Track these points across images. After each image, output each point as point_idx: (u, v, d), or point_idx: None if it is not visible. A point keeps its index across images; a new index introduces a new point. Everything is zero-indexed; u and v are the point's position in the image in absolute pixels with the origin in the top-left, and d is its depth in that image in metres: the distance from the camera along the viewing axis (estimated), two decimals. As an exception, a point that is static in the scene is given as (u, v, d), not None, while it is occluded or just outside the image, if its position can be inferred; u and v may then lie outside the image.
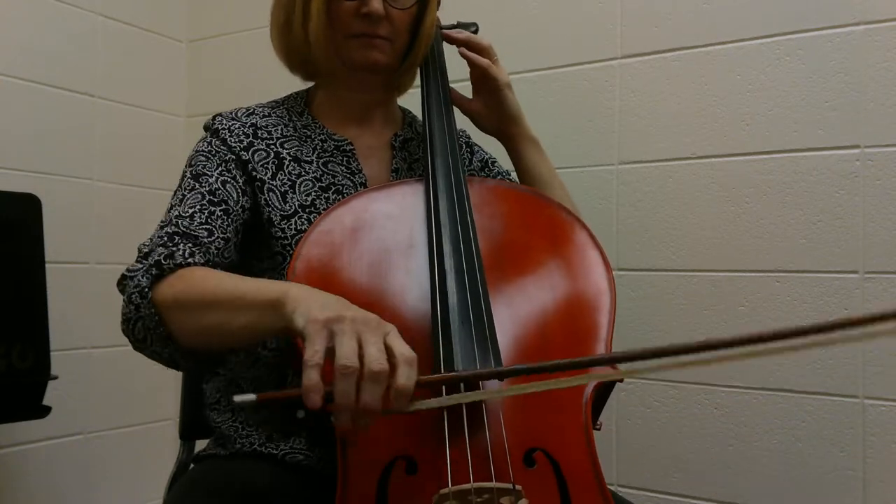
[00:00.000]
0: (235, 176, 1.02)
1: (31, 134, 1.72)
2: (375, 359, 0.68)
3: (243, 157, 1.04)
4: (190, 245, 0.92)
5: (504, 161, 1.25)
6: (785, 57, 1.38)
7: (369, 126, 1.15)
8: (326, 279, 0.91)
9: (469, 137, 1.27)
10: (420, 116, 1.16)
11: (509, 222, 1.05)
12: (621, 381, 0.92)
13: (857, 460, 1.31)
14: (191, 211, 0.96)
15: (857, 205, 1.32)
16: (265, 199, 1.03)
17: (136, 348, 0.90)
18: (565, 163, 1.54)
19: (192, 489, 0.97)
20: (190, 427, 1.27)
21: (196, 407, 1.25)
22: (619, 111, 1.53)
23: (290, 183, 1.04)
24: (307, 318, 0.71)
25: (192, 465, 1.13)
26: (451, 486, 0.76)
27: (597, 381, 0.86)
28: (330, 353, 0.69)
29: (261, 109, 1.12)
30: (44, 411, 1.41)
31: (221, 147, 1.04)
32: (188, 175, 1.02)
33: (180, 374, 1.30)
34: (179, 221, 0.95)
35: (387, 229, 0.98)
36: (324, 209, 1.04)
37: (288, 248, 1.01)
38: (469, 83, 1.20)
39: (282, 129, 1.09)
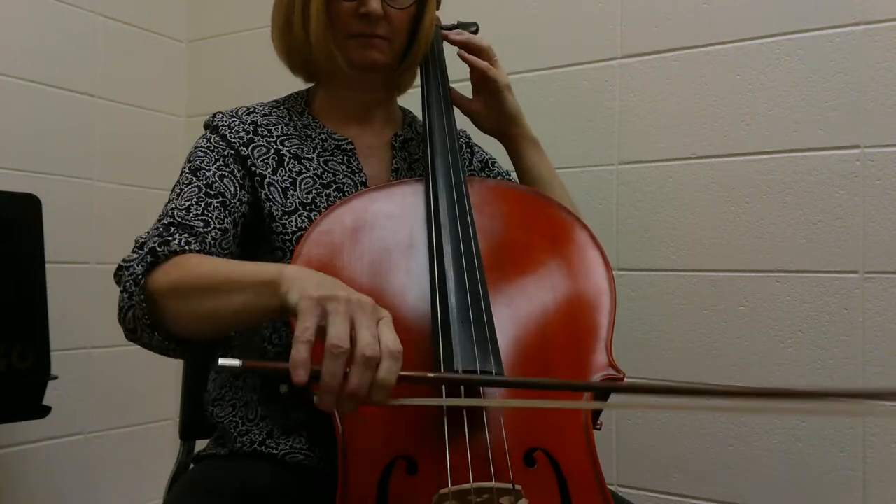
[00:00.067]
0: (234, 171, 1.02)
1: (31, 134, 1.72)
2: (368, 343, 0.67)
3: (242, 153, 1.04)
4: (185, 235, 0.92)
5: (504, 161, 1.25)
6: (785, 57, 1.38)
7: (370, 126, 1.15)
8: (326, 279, 0.91)
9: (469, 138, 1.28)
10: (420, 116, 1.16)
11: (509, 222, 1.05)
12: (621, 380, 0.91)
13: (857, 460, 1.31)
14: (187, 203, 0.97)
15: (857, 205, 1.32)
16: (266, 194, 1.03)
17: (129, 338, 0.91)
18: (565, 163, 1.54)
19: (192, 489, 0.97)
20: (190, 427, 1.27)
21: (196, 407, 1.25)
22: (619, 111, 1.53)
23: (290, 180, 1.05)
24: (301, 295, 0.70)
25: (192, 465, 1.12)
26: (451, 486, 0.76)
27: (591, 408, 0.86)
28: (321, 332, 0.68)
29: (261, 108, 1.12)
30: (44, 411, 1.41)
31: (220, 143, 1.05)
32: (186, 170, 1.03)
33: (180, 373, 1.30)
34: (175, 212, 0.95)
35: (387, 229, 0.98)
36: (324, 207, 1.04)
37: (288, 243, 1.01)
38: (469, 83, 1.20)
39: (282, 128, 1.09)
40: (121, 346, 1.88)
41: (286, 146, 1.07)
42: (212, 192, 0.99)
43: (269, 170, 1.04)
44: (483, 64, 1.16)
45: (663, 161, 1.48)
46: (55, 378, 1.42)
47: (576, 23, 1.57)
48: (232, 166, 1.03)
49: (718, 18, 1.44)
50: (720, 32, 1.44)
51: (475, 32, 1.25)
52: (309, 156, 1.08)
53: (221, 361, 0.68)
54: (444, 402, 0.76)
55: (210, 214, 0.96)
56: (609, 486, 0.84)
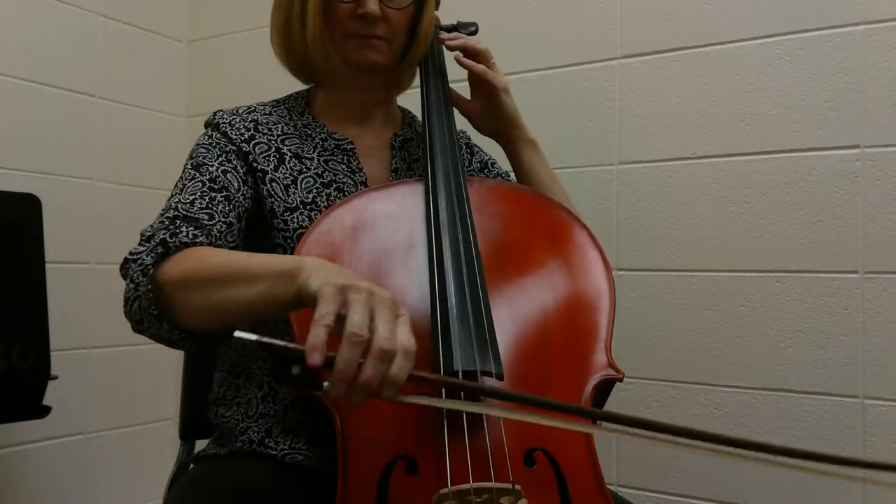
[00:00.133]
0: (236, 166, 1.03)
1: (31, 134, 1.72)
2: (385, 337, 0.67)
3: (244, 149, 1.04)
4: (192, 228, 0.92)
5: (504, 162, 1.25)
6: (785, 57, 1.38)
7: (369, 125, 1.15)
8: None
9: (469, 138, 1.28)
10: (420, 116, 1.16)
11: (509, 222, 1.05)
12: (621, 380, 0.92)
13: (857, 460, 1.31)
14: (191, 197, 0.96)
15: (857, 205, 1.32)
16: (267, 190, 1.03)
17: (135, 331, 0.90)
18: (565, 163, 1.54)
19: (192, 489, 0.97)
20: (190, 427, 1.27)
21: (196, 407, 1.25)
22: (619, 111, 1.53)
23: (291, 178, 1.05)
24: (322, 281, 0.70)
25: (192, 465, 1.13)
26: (451, 486, 0.76)
27: (588, 430, 0.85)
28: (339, 320, 0.68)
29: (261, 108, 1.12)
30: (44, 411, 1.41)
31: (222, 139, 1.05)
32: (188, 166, 1.02)
33: (180, 374, 1.30)
34: (180, 206, 0.95)
35: (387, 229, 0.98)
36: (324, 206, 1.04)
37: (289, 240, 1.01)
38: (468, 83, 1.20)
39: (282, 127, 1.09)
40: (121, 346, 1.88)
41: (286, 145, 1.07)
42: (216, 187, 0.99)
43: (271, 167, 1.04)
44: (480, 68, 1.15)
45: (663, 161, 1.48)
46: (55, 378, 1.42)
47: (576, 23, 1.57)
48: (235, 162, 1.03)
49: (718, 18, 1.44)
50: (720, 32, 1.44)
51: (475, 32, 1.25)
52: (309, 155, 1.08)
53: (237, 334, 0.67)
54: (457, 404, 0.76)
55: (215, 208, 0.96)
56: (609, 486, 0.84)
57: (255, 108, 1.11)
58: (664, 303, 1.47)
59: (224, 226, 0.96)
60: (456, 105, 1.18)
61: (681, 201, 1.46)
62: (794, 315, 1.36)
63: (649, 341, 1.48)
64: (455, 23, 1.26)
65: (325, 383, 0.67)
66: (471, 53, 1.17)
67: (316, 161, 1.08)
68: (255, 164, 1.04)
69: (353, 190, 1.07)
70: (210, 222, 0.94)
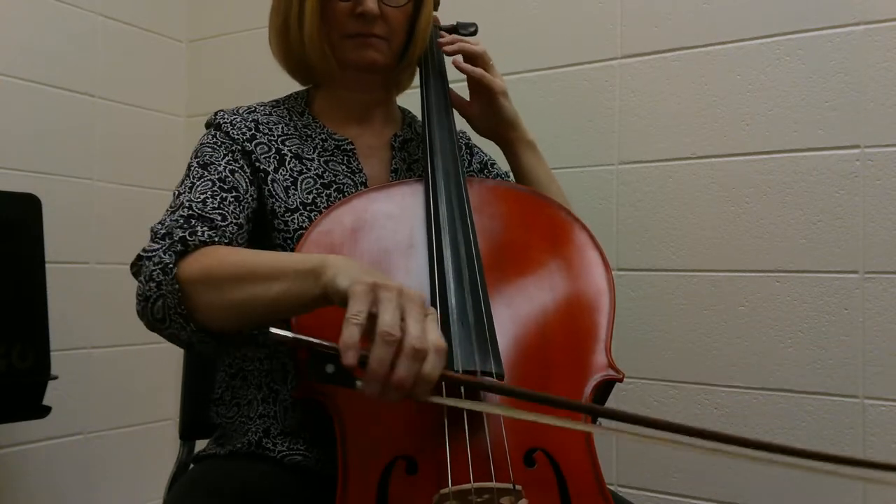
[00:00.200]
0: (243, 166, 1.02)
1: (31, 134, 1.72)
2: (417, 336, 0.67)
3: (247, 148, 1.04)
4: (207, 228, 0.91)
5: (503, 162, 1.25)
6: (785, 57, 1.38)
7: (369, 126, 1.15)
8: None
9: (469, 139, 1.28)
10: (420, 117, 1.16)
11: (509, 223, 1.05)
12: (621, 380, 0.92)
13: (857, 460, 1.31)
14: (202, 196, 0.96)
15: (857, 205, 1.32)
16: (269, 190, 1.03)
17: (151, 329, 0.89)
18: (565, 163, 1.54)
19: (192, 489, 0.97)
20: (190, 427, 1.27)
21: (196, 407, 1.26)
22: (619, 111, 1.53)
23: (291, 179, 1.05)
24: (353, 279, 0.70)
25: (192, 465, 1.12)
26: (452, 486, 0.76)
27: (589, 430, 0.86)
28: (370, 318, 0.68)
29: (261, 108, 1.12)
30: (44, 411, 1.41)
31: (226, 139, 1.05)
32: (195, 165, 1.01)
33: (180, 373, 1.30)
34: (193, 205, 0.94)
35: (387, 229, 0.98)
36: (325, 207, 1.04)
37: (289, 241, 1.01)
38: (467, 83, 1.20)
39: (282, 128, 1.09)
40: (121, 346, 1.88)
41: (287, 146, 1.07)
42: (225, 187, 0.98)
43: (272, 167, 1.04)
44: (478, 71, 1.15)
45: (663, 161, 1.48)
46: (55, 378, 1.42)
47: (576, 23, 1.57)
48: (241, 161, 1.03)
49: (718, 18, 1.44)
50: (720, 32, 1.44)
51: (474, 33, 1.25)
52: (309, 156, 1.08)
53: (273, 330, 0.68)
54: (479, 405, 0.76)
55: (226, 209, 0.96)
56: (609, 486, 0.84)
57: (256, 108, 1.11)
58: (664, 303, 1.47)
59: (236, 227, 0.96)
60: (455, 106, 1.18)
61: (681, 201, 1.46)
62: (794, 315, 1.36)
63: (649, 341, 1.48)
64: (455, 23, 1.26)
65: (359, 382, 0.68)
66: (468, 57, 1.17)
67: (316, 162, 1.08)
68: (257, 164, 1.04)
69: (353, 190, 1.07)
70: (223, 223, 0.94)
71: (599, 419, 0.89)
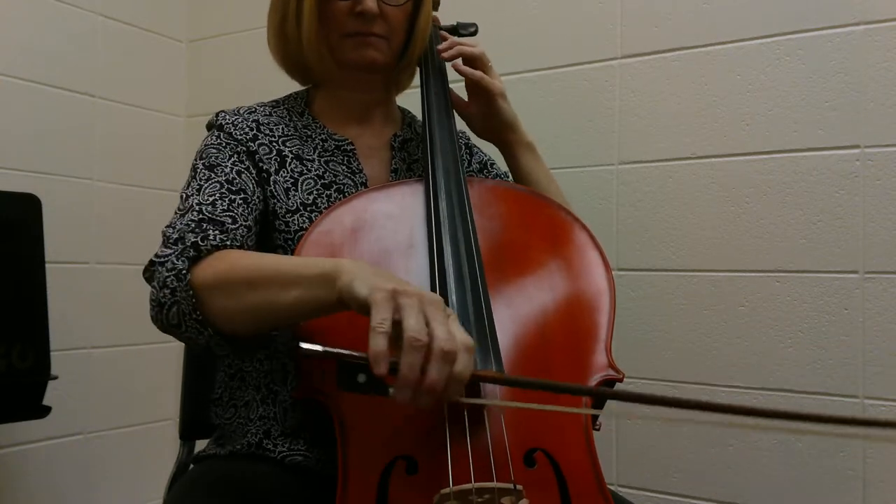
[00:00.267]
0: (248, 167, 1.02)
1: (31, 134, 1.72)
2: (444, 338, 0.68)
3: (251, 148, 1.04)
4: (218, 231, 0.91)
5: (503, 162, 1.25)
6: (785, 57, 1.38)
7: (369, 126, 1.15)
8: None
9: (468, 139, 1.28)
10: (419, 116, 1.16)
11: (509, 222, 1.05)
12: (621, 380, 0.92)
13: (857, 460, 1.31)
14: (211, 199, 0.95)
15: (857, 205, 1.32)
16: (271, 191, 1.03)
17: (166, 332, 0.89)
18: (565, 163, 1.54)
19: (192, 489, 0.97)
20: (190, 427, 1.27)
21: (196, 407, 1.26)
22: (619, 111, 1.53)
23: (292, 180, 1.05)
24: (372, 286, 0.70)
25: (191, 465, 1.13)
26: (452, 485, 0.76)
27: (589, 413, 0.86)
28: (395, 325, 0.69)
29: (262, 108, 1.12)
30: (44, 411, 1.41)
31: (230, 140, 1.04)
32: (201, 166, 1.01)
33: (180, 374, 1.30)
34: (203, 208, 0.94)
35: (387, 229, 0.98)
36: (325, 207, 1.04)
37: (290, 242, 1.01)
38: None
39: (283, 129, 1.09)
40: (121, 346, 1.88)
41: (287, 146, 1.07)
42: (233, 189, 0.98)
43: (273, 168, 1.04)
44: (477, 74, 1.15)
45: (663, 161, 1.48)
46: (55, 378, 1.42)
47: (576, 23, 1.57)
48: (247, 162, 1.03)
49: (718, 18, 1.44)
50: (720, 32, 1.44)
51: (475, 33, 1.25)
52: (310, 156, 1.08)
53: (303, 345, 0.68)
54: (511, 404, 0.77)
55: (235, 211, 0.96)
56: (609, 486, 0.84)
57: (256, 108, 1.11)
58: (664, 303, 1.47)
59: (245, 229, 0.95)
60: (454, 106, 1.18)
61: (681, 201, 1.46)
62: (794, 315, 1.36)
63: (649, 341, 1.48)
64: (455, 23, 1.26)
65: (391, 390, 0.69)
66: (467, 60, 1.16)
67: (317, 162, 1.08)
68: (261, 165, 1.04)
69: (354, 191, 1.07)
70: (234, 226, 0.94)
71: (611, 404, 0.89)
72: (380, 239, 0.97)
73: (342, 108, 1.14)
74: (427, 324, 0.69)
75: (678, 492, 1.45)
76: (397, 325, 0.68)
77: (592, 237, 1.03)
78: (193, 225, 0.91)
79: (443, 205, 0.99)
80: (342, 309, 0.75)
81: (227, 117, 1.07)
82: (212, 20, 2.06)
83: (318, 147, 1.09)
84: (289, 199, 1.03)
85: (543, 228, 1.05)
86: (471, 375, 0.70)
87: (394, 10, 1.07)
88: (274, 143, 1.07)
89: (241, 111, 1.09)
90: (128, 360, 1.90)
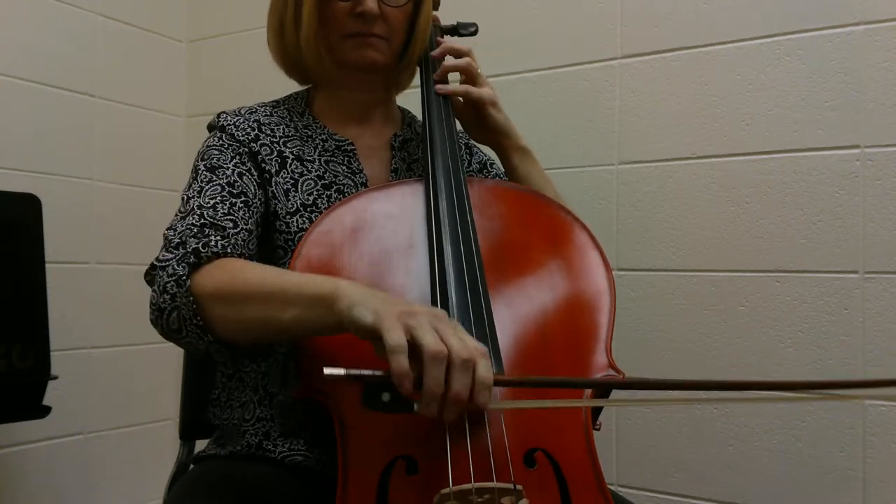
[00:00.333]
0: (250, 168, 1.02)
1: (31, 134, 1.72)
2: (461, 348, 0.70)
3: (253, 149, 1.04)
4: (220, 237, 0.91)
5: (504, 161, 1.25)
6: (785, 57, 1.38)
7: (370, 126, 1.15)
8: (327, 279, 0.91)
9: (468, 139, 1.27)
10: (419, 116, 1.16)
11: (509, 222, 1.05)
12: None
13: (857, 460, 1.31)
14: (212, 202, 0.95)
15: (857, 205, 1.32)
16: (272, 192, 1.03)
17: (166, 338, 0.89)
18: (565, 163, 1.55)
19: (192, 489, 0.97)
20: (190, 427, 1.27)
21: (196, 407, 1.25)
22: (619, 111, 1.53)
23: (292, 181, 1.05)
24: (378, 313, 0.72)
25: (191, 465, 1.13)
26: (452, 486, 0.76)
27: (591, 405, 0.87)
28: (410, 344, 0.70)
29: (262, 109, 1.12)
30: (44, 411, 1.41)
31: (232, 141, 1.04)
32: (202, 168, 1.01)
33: (180, 374, 1.30)
34: (204, 212, 0.94)
35: (387, 229, 0.98)
36: (325, 208, 1.04)
37: (290, 243, 1.01)
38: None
39: (283, 129, 1.09)
40: (121, 346, 1.88)
41: (288, 147, 1.07)
42: (234, 192, 0.98)
43: (273, 169, 1.04)
44: (460, 89, 1.13)
45: (663, 161, 1.48)
46: (55, 378, 1.42)
47: (576, 23, 1.57)
48: (248, 164, 1.03)
49: (718, 18, 1.44)
50: (720, 32, 1.44)
51: (475, 33, 1.25)
52: (310, 157, 1.08)
53: (326, 371, 0.70)
54: (537, 403, 0.78)
55: (236, 215, 0.95)
56: (609, 486, 0.84)
57: (257, 109, 1.11)
58: (664, 303, 1.47)
59: (246, 233, 0.95)
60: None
61: (681, 201, 1.46)
62: (794, 315, 1.36)
63: (649, 341, 1.48)
64: (455, 23, 1.25)
65: (416, 405, 0.71)
66: (463, 72, 1.14)
67: (317, 163, 1.08)
68: (263, 166, 1.04)
69: (354, 191, 1.07)
70: (234, 230, 0.94)
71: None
72: (380, 239, 0.97)
73: (342, 109, 1.14)
74: (441, 338, 0.70)
75: (678, 492, 1.45)
76: (411, 344, 0.70)
77: (592, 237, 1.03)
78: (196, 229, 0.91)
79: (443, 205, 0.99)
80: (342, 332, 0.76)
81: (229, 118, 1.07)
82: (212, 20, 2.06)
83: (319, 147, 1.09)
84: (288, 200, 1.03)
85: (543, 228, 1.05)
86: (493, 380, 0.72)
87: (394, 10, 1.07)
88: (275, 144, 1.07)
89: (243, 112, 1.09)
90: (128, 360, 1.90)
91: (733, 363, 1.41)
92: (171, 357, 1.92)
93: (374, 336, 0.72)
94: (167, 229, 0.93)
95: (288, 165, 1.05)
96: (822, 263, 1.34)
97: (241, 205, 0.97)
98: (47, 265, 1.44)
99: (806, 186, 1.36)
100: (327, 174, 1.07)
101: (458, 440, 0.80)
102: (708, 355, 1.43)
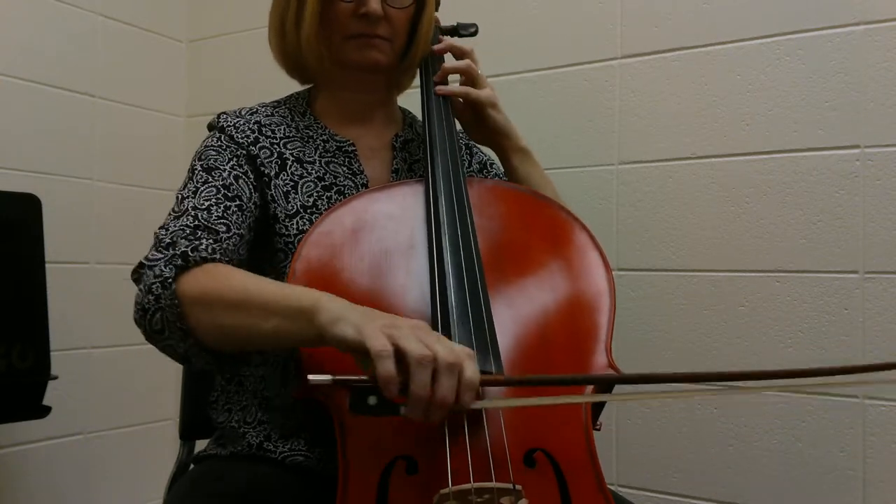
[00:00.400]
0: (247, 171, 1.02)
1: (31, 134, 1.72)
2: (446, 352, 0.70)
3: (252, 152, 1.04)
4: (211, 241, 0.91)
5: (503, 162, 1.25)
6: (785, 57, 1.38)
7: (371, 126, 1.15)
8: (327, 280, 0.91)
9: (468, 139, 1.27)
10: (420, 117, 1.16)
11: (509, 223, 1.05)
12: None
13: (857, 460, 1.31)
14: (206, 204, 0.95)
15: (857, 205, 1.32)
16: (271, 195, 1.03)
17: (148, 340, 0.89)
18: (565, 163, 1.55)
19: (192, 489, 0.97)
20: (190, 427, 1.27)
21: (196, 407, 1.25)
22: (619, 111, 1.53)
23: (292, 183, 1.04)
24: (360, 327, 0.72)
25: (192, 465, 1.13)
26: (452, 486, 0.76)
27: (591, 401, 0.88)
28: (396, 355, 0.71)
29: (263, 109, 1.12)
30: (44, 411, 1.41)
31: (231, 143, 1.04)
32: (199, 168, 1.01)
33: (180, 373, 1.30)
34: (198, 214, 0.94)
35: (387, 230, 0.98)
36: (325, 209, 1.04)
37: (290, 245, 1.01)
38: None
39: (284, 130, 1.09)
40: (121, 346, 1.88)
41: (289, 149, 1.07)
42: (229, 195, 0.98)
43: (273, 172, 1.04)
44: (460, 91, 1.13)
45: (663, 161, 1.48)
46: (55, 378, 1.42)
47: (576, 23, 1.57)
48: (245, 167, 1.02)
49: (718, 18, 1.44)
50: (720, 32, 1.44)
51: (475, 33, 1.25)
52: (311, 158, 1.08)
53: (311, 378, 0.71)
54: (525, 402, 0.78)
55: (229, 218, 0.95)
56: (609, 486, 0.84)
57: (258, 109, 1.11)
58: (664, 303, 1.47)
59: (238, 238, 0.95)
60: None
61: (681, 201, 1.47)
62: (794, 315, 1.36)
63: (649, 341, 1.48)
64: (455, 24, 1.25)
65: (402, 408, 0.71)
66: (457, 56, 1.15)
67: (317, 164, 1.07)
68: (262, 169, 1.03)
69: (354, 192, 1.07)
70: (227, 234, 0.94)
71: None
72: (380, 239, 0.97)
73: (343, 109, 1.14)
74: (425, 345, 0.71)
75: (678, 492, 1.46)
76: (396, 352, 0.70)
77: (592, 237, 1.03)
78: (188, 231, 0.91)
79: (443, 205, 0.99)
80: (322, 345, 0.76)
81: (229, 119, 1.07)
82: (212, 20, 2.06)
83: (320, 148, 1.09)
84: (288, 202, 1.03)
85: (543, 228, 1.05)
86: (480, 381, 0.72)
87: (397, 11, 1.07)
88: (275, 146, 1.06)
89: (243, 112, 1.09)
90: (128, 360, 1.90)
91: (733, 363, 1.41)
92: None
93: (356, 349, 0.72)
94: (159, 228, 0.93)
95: (288, 167, 1.05)
96: (822, 263, 1.34)
97: (234, 208, 0.97)
98: (47, 265, 1.44)
99: (806, 186, 1.36)
100: (328, 175, 1.07)
101: (457, 440, 0.80)
102: (708, 355, 1.43)
